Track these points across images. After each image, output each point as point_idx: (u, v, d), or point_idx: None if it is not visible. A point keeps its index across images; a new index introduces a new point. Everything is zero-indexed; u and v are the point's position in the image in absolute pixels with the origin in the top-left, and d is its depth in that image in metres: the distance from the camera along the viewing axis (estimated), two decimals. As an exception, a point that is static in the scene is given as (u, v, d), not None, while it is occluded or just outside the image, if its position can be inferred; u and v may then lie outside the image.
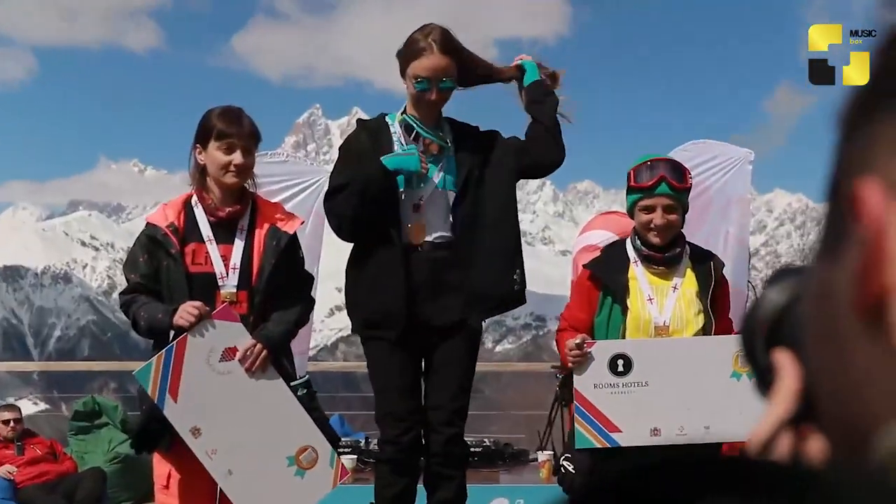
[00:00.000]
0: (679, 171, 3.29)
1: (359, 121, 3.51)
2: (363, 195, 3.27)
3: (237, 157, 3.20)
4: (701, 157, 4.78)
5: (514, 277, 3.38)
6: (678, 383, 3.27)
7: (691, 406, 3.27)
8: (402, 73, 3.34)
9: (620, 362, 3.26)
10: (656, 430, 3.26)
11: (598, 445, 3.26)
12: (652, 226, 3.27)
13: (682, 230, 3.41)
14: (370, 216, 3.28)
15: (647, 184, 3.26)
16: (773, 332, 0.61)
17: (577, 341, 3.23)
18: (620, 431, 3.26)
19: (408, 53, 3.31)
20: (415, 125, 3.36)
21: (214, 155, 3.20)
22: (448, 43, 3.29)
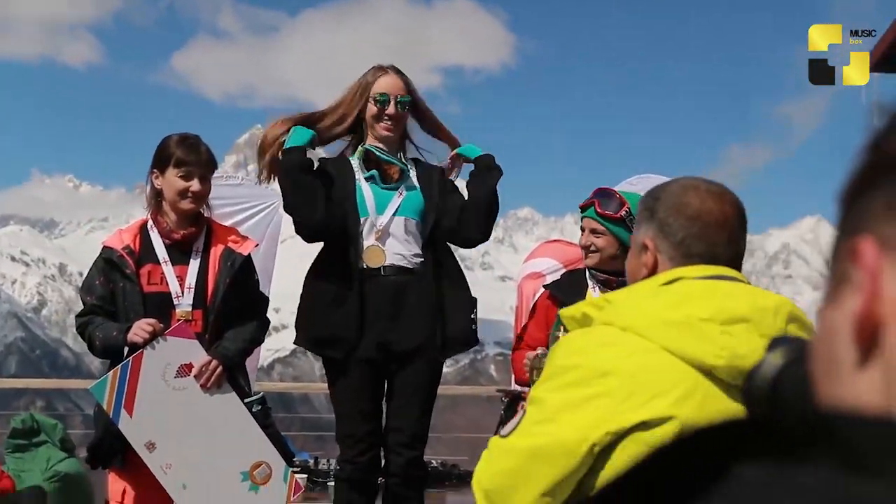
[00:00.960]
0: (615, 202, 3.45)
1: (321, 159, 3.62)
2: (288, 168, 3.43)
3: (195, 185, 3.30)
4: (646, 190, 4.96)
5: (472, 317, 3.52)
6: None
7: None
8: (362, 110, 3.52)
9: None
10: None
11: None
12: (583, 247, 3.50)
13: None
14: (322, 218, 3.39)
15: (581, 205, 3.53)
16: (775, 388, 0.81)
17: (539, 352, 3.29)
18: None
19: (366, 84, 3.51)
20: (374, 151, 3.49)
21: (172, 181, 3.29)
22: (401, 71, 3.55)
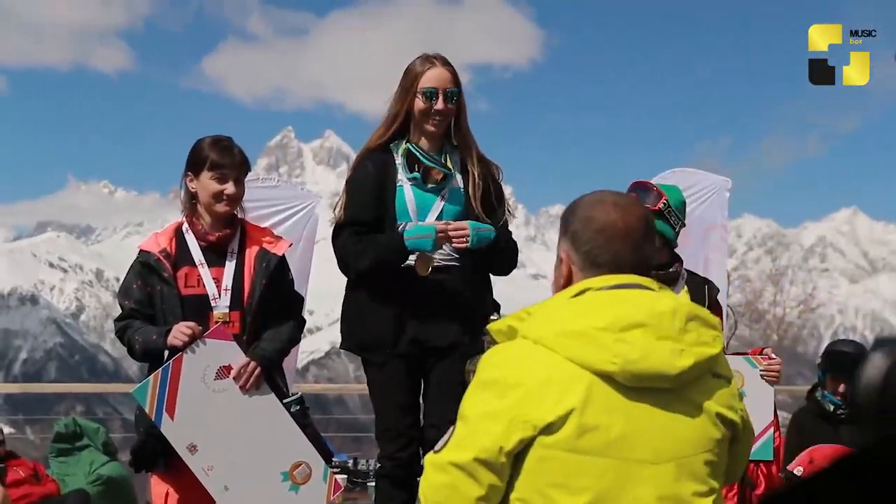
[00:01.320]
0: (653, 194, 3.44)
1: (365, 150, 3.56)
2: (378, 261, 3.37)
3: (229, 188, 3.32)
4: (681, 185, 4.90)
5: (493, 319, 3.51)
6: None
7: None
8: (404, 96, 3.42)
9: None
10: None
11: None
12: None
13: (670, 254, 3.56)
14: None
15: None
16: (884, 388, 0.84)
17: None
18: None
19: (411, 76, 3.40)
20: (417, 154, 3.43)
21: (207, 184, 3.31)
22: (448, 61, 3.45)
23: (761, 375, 3.45)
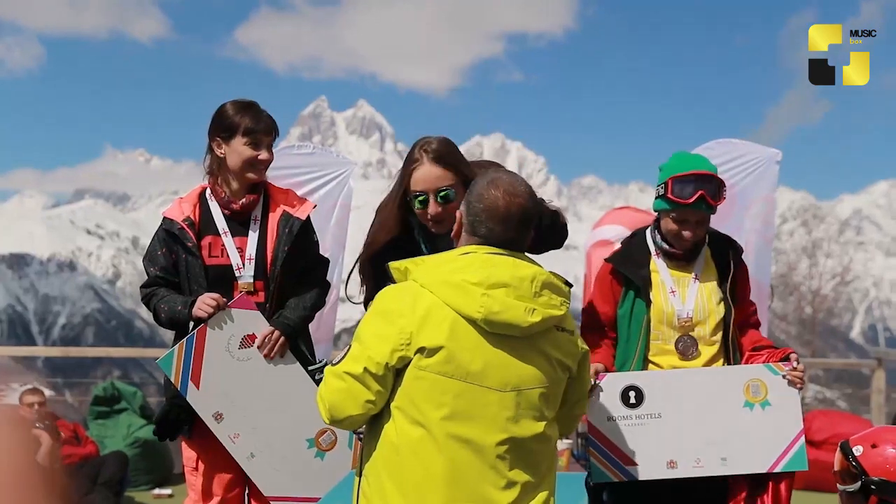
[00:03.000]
0: (718, 186, 3.26)
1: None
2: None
3: (263, 154, 3.28)
4: (727, 156, 4.80)
5: None
6: (691, 414, 3.23)
7: (706, 437, 3.23)
8: (399, 202, 3.04)
9: (632, 394, 3.24)
10: (672, 463, 3.23)
11: (615, 479, 3.23)
12: (683, 237, 3.30)
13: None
14: None
15: (685, 200, 3.23)
16: None
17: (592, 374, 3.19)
18: (636, 464, 3.23)
19: (405, 171, 3.03)
20: (421, 243, 3.10)
21: (240, 150, 3.26)
22: (442, 151, 2.99)
23: (787, 382, 3.25)
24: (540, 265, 2.46)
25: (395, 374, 2.35)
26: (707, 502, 3.34)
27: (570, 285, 2.51)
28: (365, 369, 2.33)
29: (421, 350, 2.31)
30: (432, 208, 2.95)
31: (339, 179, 4.46)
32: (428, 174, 2.94)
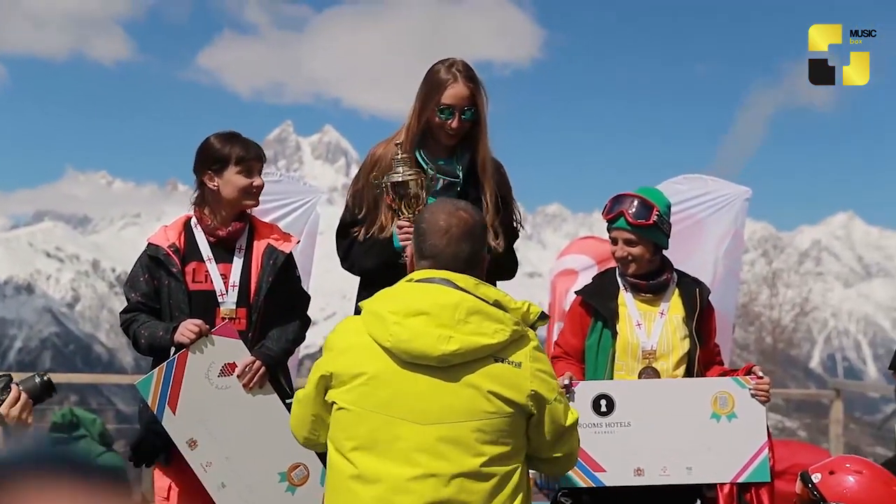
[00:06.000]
0: (643, 207, 3.39)
1: (396, 145, 3.37)
2: (378, 261, 3.32)
3: (257, 180, 3.34)
4: (695, 192, 4.92)
5: None
6: (659, 424, 3.33)
7: (673, 447, 3.33)
8: (423, 107, 3.35)
9: (603, 402, 3.34)
10: (639, 471, 3.32)
11: (583, 485, 3.32)
12: (616, 256, 3.47)
13: (671, 258, 3.58)
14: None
15: (608, 217, 3.47)
16: None
17: (565, 381, 3.32)
18: (605, 471, 3.32)
19: (433, 85, 3.34)
20: (422, 161, 3.38)
21: (234, 179, 3.30)
22: (471, 72, 3.37)
23: (752, 395, 3.38)
24: (494, 289, 2.42)
25: (330, 406, 2.41)
26: None
27: (546, 317, 2.46)
28: (305, 398, 2.48)
29: (341, 382, 2.35)
30: (455, 122, 3.30)
31: (305, 208, 4.47)
32: (459, 93, 3.31)
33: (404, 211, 3.16)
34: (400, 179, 3.16)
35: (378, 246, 3.35)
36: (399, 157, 3.20)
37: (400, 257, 3.21)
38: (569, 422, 2.45)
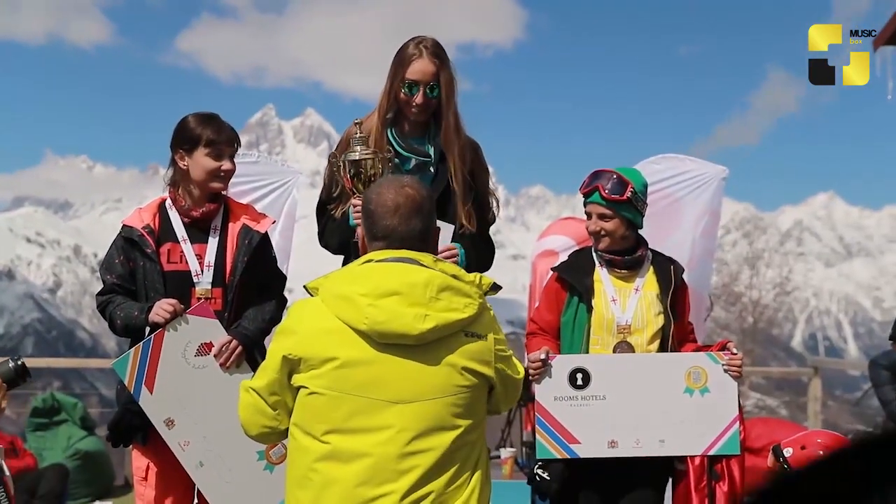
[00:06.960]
0: (618, 183, 3.44)
1: (356, 123, 3.39)
2: (339, 240, 3.36)
3: (226, 164, 3.33)
4: (672, 171, 4.97)
5: None
6: (634, 398, 3.38)
7: (646, 420, 3.38)
8: (391, 84, 3.36)
9: (579, 376, 3.38)
10: (613, 443, 3.37)
11: (558, 456, 3.38)
12: (590, 230, 3.51)
13: (649, 237, 3.62)
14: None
15: (583, 191, 3.51)
16: None
17: (542, 356, 3.36)
18: (579, 443, 3.37)
19: (399, 62, 3.36)
20: (393, 142, 3.39)
21: (202, 161, 3.30)
22: (438, 50, 3.36)
23: (724, 370, 3.43)
24: (449, 264, 2.43)
25: (295, 391, 2.36)
26: (643, 500, 3.46)
27: (499, 287, 2.48)
28: (265, 384, 2.39)
29: (310, 366, 2.32)
30: (419, 97, 3.30)
31: (284, 189, 4.47)
32: (424, 67, 3.30)
33: (361, 189, 3.16)
34: (357, 158, 3.17)
35: (342, 225, 3.36)
36: (357, 136, 3.21)
37: (355, 235, 3.22)
38: (520, 374, 2.55)
